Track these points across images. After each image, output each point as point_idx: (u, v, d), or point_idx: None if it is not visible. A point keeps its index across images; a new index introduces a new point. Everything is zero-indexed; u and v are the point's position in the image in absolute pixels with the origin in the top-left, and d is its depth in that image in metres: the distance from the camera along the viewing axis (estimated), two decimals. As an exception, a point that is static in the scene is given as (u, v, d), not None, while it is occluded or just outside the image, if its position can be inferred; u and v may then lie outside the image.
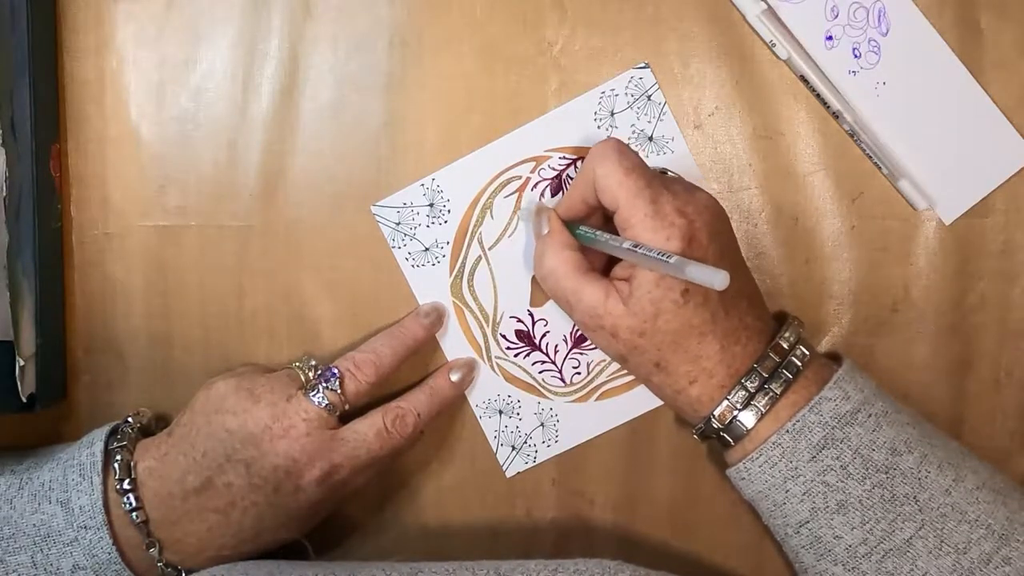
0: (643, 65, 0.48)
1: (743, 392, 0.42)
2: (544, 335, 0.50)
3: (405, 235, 0.49)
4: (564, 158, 0.48)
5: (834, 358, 0.46)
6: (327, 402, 0.44)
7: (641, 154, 0.48)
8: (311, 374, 0.46)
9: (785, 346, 0.43)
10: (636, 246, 0.41)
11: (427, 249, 0.49)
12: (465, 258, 0.49)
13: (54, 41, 0.48)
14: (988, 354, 0.49)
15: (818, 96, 0.47)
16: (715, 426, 0.43)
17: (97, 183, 0.49)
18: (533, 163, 0.48)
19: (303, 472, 0.43)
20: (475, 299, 0.49)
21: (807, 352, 0.43)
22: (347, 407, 0.45)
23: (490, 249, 0.49)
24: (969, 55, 0.47)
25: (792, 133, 0.48)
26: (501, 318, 0.50)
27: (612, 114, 0.48)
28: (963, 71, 0.48)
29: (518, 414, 0.50)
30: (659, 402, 0.49)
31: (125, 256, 0.50)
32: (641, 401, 0.50)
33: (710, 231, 0.42)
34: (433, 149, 0.49)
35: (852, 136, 0.48)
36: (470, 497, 0.51)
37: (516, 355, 0.50)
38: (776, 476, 0.42)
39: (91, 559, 0.42)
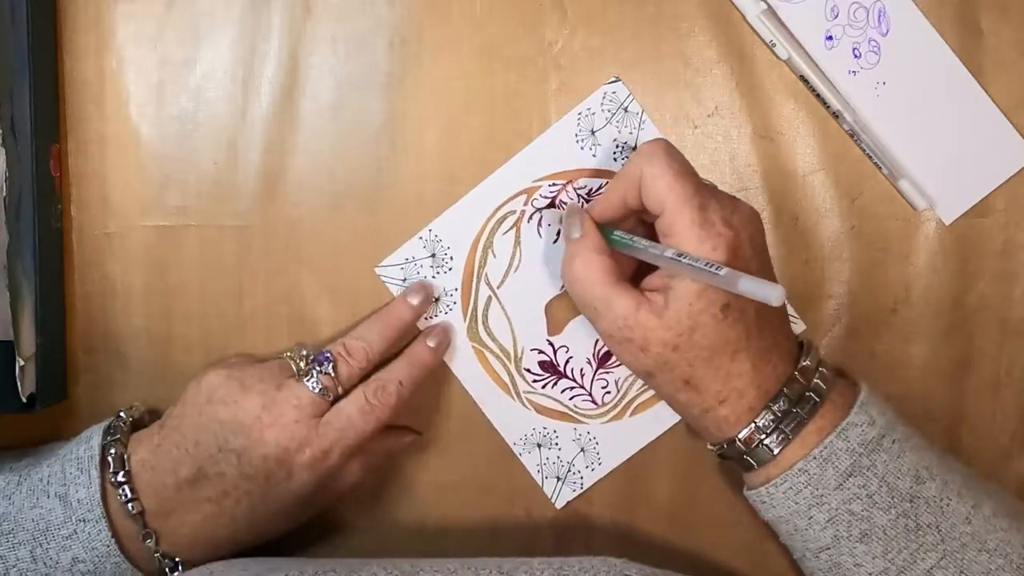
0: (614, 80, 0.48)
1: (771, 415, 0.41)
2: (568, 361, 0.49)
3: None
4: (554, 184, 0.48)
5: (838, 372, 0.45)
6: (321, 386, 0.44)
7: None
8: (302, 363, 0.46)
9: (811, 367, 0.42)
10: (680, 255, 0.39)
11: (437, 300, 0.49)
12: (476, 301, 0.49)
13: (54, 41, 0.48)
14: (988, 354, 0.49)
15: (818, 96, 0.47)
16: (739, 448, 0.42)
17: (97, 183, 0.49)
18: (525, 195, 0.48)
19: (293, 459, 0.43)
20: (493, 339, 0.49)
21: (828, 374, 0.42)
22: (340, 391, 0.45)
23: (499, 288, 0.49)
24: (969, 55, 0.47)
25: (792, 133, 0.48)
26: (522, 353, 0.49)
27: (593, 132, 0.48)
28: (963, 71, 0.48)
29: (557, 444, 0.50)
30: None
31: (125, 256, 0.50)
32: (673, 411, 0.49)
33: (753, 244, 0.41)
34: (433, 149, 0.49)
35: (852, 136, 0.48)
36: (470, 497, 0.51)
37: (544, 386, 0.50)
38: (800, 503, 0.41)
39: (90, 552, 0.42)
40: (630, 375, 0.49)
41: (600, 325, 0.42)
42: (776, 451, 0.41)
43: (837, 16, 0.47)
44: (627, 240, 0.42)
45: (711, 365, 0.41)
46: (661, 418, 0.50)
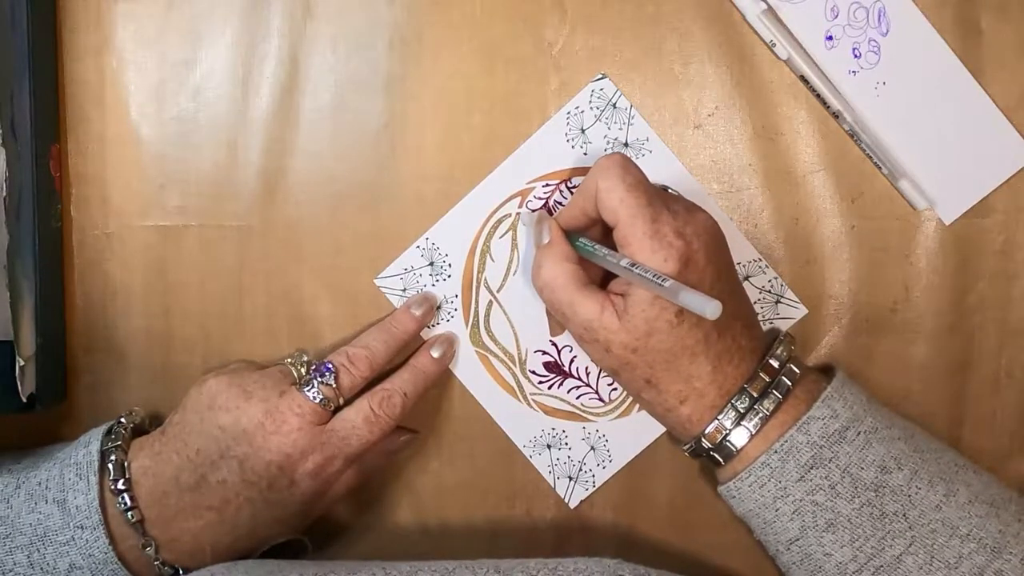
0: (600, 76, 0.48)
1: (733, 412, 0.42)
2: (572, 360, 0.50)
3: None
4: (547, 185, 0.48)
5: (828, 370, 0.46)
6: (322, 396, 0.44)
7: None
8: (303, 370, 0.46)
9: (775, 364, 0.43)
10: (633, 265, 0.41)
11: (438, 308, 0.49)
12: (477, 307, 0.49)
13: (54, 41, 0.48)
14: (988, 354, 0.49)
15: (818, 96, 0.47)
16: (705, 446, 0.43)
17: (97, 183, 0.49)
18: (519, 198, 0.49)
19: (296, 466, 0.43)
20: (496, 343, 0.49)
21: (797, 370, 0.43)
22: (341, 401, 0.45)
23: (499, 292, 0.49)
24: (969, 55, 0.47)
25: (792, 133, 0.48)
26: (526, 355, 0.50)
27: (583, 131, 0.48)
28: (963, 71, 0.48)
29: (567, 444, 0.50)
30: None
31: (125, 256, 0.50)
32: None
33: (707, 253, 0.42)
34: (433, 149, 0.49)
35: (852, 136, 0.48)
36: (470, 497, 0.51)
37: (550, 387, 0.50)
38: (765, 496, 0.42)
39: (87, 559, 0.42)
40: None
41: (569, 327, 0.44)
42: (739, 446, 0.43)
43: (837, 16, 0.47)
44: (589, 248, 0.44)
45: (670, 367, 0.42)
46: None
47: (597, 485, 0.50)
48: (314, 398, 0.44)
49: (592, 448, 0.50)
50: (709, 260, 0.42)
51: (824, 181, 0.49)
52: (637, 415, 0.50)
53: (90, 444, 0.44)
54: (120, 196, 0.49)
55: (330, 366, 0.45)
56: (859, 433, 0.42)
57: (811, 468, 0.42)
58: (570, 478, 0.50)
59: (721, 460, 0.43)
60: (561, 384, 0.50)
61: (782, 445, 0.42)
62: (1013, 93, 0.48)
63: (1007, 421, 0.50)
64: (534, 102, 0.48)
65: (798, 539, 0.42)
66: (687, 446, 0.44)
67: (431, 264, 0.49)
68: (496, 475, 0.51)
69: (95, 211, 0.49)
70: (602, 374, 0.49)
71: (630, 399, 0.50)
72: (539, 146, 0.48)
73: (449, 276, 0.49)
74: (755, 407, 0.42)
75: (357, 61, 0.48)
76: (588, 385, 0.50)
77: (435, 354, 0.48)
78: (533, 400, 0.50)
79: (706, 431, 0.43)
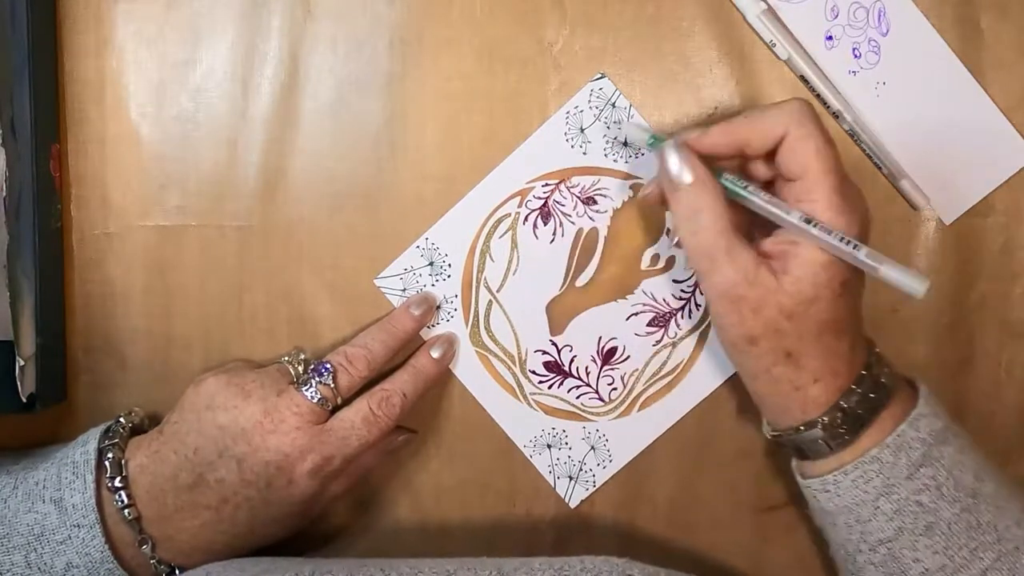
0: (599, 76, 0.48)
1: (855, 398, 0.40)
2: (572, 360, 0.50)
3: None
4: (546, 185, 0.48)
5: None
6: (320, 396, 0.44)
7: (621, 157, 0.48)
8: (301, 368, 0.46)
9: (884, 356, 0.42)
10: (810, 220, 0.37)
11: (438, 307, 0.49)
12: (476, 306, 0.49)
13: (54, 41, 0.48)
14: (988, 354, 0.49)
15: (818, 96, 0.47)
16: (816, 433, 0.40)
17: (97, 183, 0.49)
18: (519, 198, 0.49)
19: (295, 466, 0.43)
20: (496, 343, 0.49)
21: (891, 364, 0.42)
22: (339, 401, 0.45)
23: (498, 291, 0.49)
24: (969, 55, 0.47)
25: (792, 133, 0.48)
26: (526, 355, 0.50)
27: (582, 130, 0.48)
28: (963, 71, 0.48)
29: (567, 444, 0.50)
30: (697, 399, 0.49)
31: (125, 256, 0.50)
32: (683, 401, 0.49)
33: (869, 226, 0.40)
34: (433, 149, 0.49)
35: (852, 136, 0.48)
36: (471, 497, 0.51)
37: (550, 387, 0.50)
38: (869, 491, 0.40)
39: (84, 557, 0.42)
40: (635, 370, 0.49)
41: (713, 278, 0.39)
42: (851, 437, 0.40)
43: (837, 16, 0.47)
44: (739, 188, 0.39)
45: (819, 341, 0.39)
46: (669, 411, 0.50)
47: (597, 485, 0.50)
48: (312, 398, 0.44)
49: (592, 448, 0.50)
50: (867, 234, 0.40)
51: (824, 181, 0.48)
52: (637, 415, 0.50)
53: (87, 443, 0.44)
54: (120, 196, 0.49)
55: (328, 366, 0.45)
56: (956, 435, 0.41)
57: (920, 466, 0.39)
58: (570, 478, 0.50)
59: (826, 450, 0.41)
60: (561, 384, 0.50)
61: (895, 439, 0.39)
62: (1013, 93, 0.48)
63: (1007, 421, 0.50)
64: (534, 102, 0.48)
65: (891, 540, 0.40)
66: (785, 431, 0.42)
67: (431, 264, 0.49)
68: (496, 475, 0.51)
69: (95, 211, 0.49)
70: (602, 373, 0.49)
71: (630, 399, 0.49)
72: (538, 146, 0.48)
73: (449, 276, 0.49)
74: (870, 396, 0.40)
75: (357, 61, 0.48)
76: (588, 385, 0.50)
77: (435, 355, 0.48)
78: (533, 400, 0.50)
79: (825, 415, 0.40)
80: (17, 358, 0.45)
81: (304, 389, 0.44)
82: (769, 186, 0.42)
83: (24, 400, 0.46)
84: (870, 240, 0.48)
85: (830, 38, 0.48)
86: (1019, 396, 0.49)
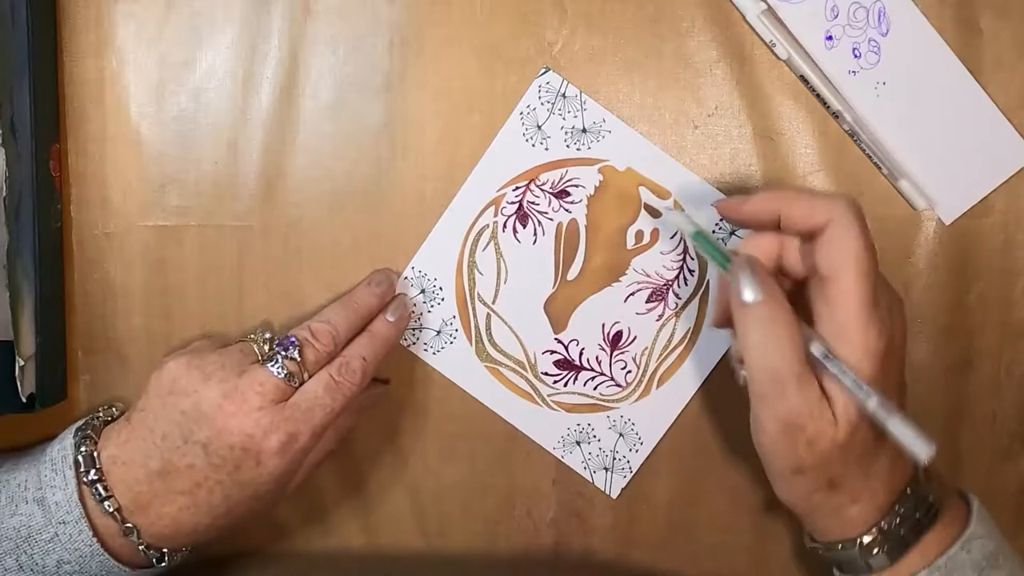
0: (545, 70, 0.48)
1: (896, 518, 0.39)
2: (581, 352, 0.49)
3: (414, 330, 0.49)
4: (517, 188, 0.49)
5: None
6: (286, 372, 0.43)
7: (583, 145, 0.48)
8: (266, 347, 0.45)
9: (932, 471, 0.40)
10: (827, 355, 0.37)
11: (439, 332, 0.49)
12: (476, 322, 0.49)
13: (54, 41, 0.48)
14: (988, 354, 0.49)
15: (818, 96, 0.47)
16: (854, 552, 0.39)
17: (97, 183, 0.49)
18: (493, 207, 0.49)
19: (261, 446, 0.42)
20: (503, 354, 0.49)
21: (941, 479, 0.41)
22: (306, 376, 0.44)
23: (494, 303, 0.49)
24: (969, 55, 0.47)
25: (792, 133, 0.48)
26: (535, 359, 0.50)
27: (539, 127, 0.48)
28: (963, 71, 0.48)
29: (595, 436, 0.50)
30: (712, 365, 0.49)
31: (125, 256, 0.50)
32: (698, 369, 0.49)
33: (902, 338, 0.39)
34: (433, 149, 0.49)
35: (852, 136, 0.48)
36: (470, 497, 0.51)
37: (566, 384, 0.50)
38: None
39: (74, 553, 0.42)
40: (645, 348, 0.49)
41: (777, 405, 0.37)
42: (895, 558, 0.39)
43: (837, 16, 0.47)
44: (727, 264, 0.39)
45: (860, 464, 0.38)
46: (687, 382, 0.50)
47: (634, 470, 0.50)
48: (278, 373, 0.43)
49: (621, 435, 0.50)
50: (900, 345, 0.39)
51: (824, 181, 0.49)
52: (657, 392, 0.49)
53: (64, 439, 0.44)
54: (120, 196, 0.49)
55: (294, 339, 0.44)
56: (1008, 558, 0.39)
57: None
58: (606, 469, 0.50)
59: (871, 568, 0.39)
60: (576, 379, 0.50)
61: (946, 563, 0.38)
62: (1013, 93, 0.48)
63: (1007, 421, 0.50)
64: (534, 102, 0.48)
65: None
66: (824, 546, 0.41)
67: (422, 291, 0.49)
68: (496, 475, 0.51)
69: (95, 211, 0.49)
70: (613, 359, 0.49)
71: (647, 378, 0.49)
72: (500, 152, 0.48)
73: (443, 299, 0.49)
74: (915, 515, 0.39)
75: (357, 61, 0.48)
76: (602, 373, 0.49)
77: (391, 318, 0.47)
78: (552, 401, 0.50)
79: (866, 535, 0.39)
80: (17, 358, 0.45)
81: (270, 366, 0.43)
82: (801, 285, 0.41)
83: (24, 400, 0.46)
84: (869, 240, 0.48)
85: (830, 38, 0.48)
86: (1019, 396, 0.49)
